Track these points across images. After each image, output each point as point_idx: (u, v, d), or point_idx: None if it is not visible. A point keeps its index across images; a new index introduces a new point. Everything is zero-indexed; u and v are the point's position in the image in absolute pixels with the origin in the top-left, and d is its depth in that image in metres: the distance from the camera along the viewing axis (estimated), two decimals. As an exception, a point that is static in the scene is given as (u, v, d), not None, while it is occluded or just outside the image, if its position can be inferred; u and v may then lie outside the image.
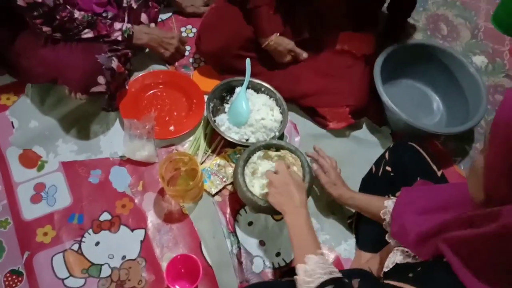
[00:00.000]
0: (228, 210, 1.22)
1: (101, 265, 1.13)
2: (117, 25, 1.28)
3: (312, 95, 1.39)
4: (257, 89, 1.36)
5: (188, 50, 1.51)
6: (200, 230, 1.18)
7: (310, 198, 1.21)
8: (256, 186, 1.12)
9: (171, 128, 1.34)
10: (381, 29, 1.55)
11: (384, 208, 0.94)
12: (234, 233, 1.19)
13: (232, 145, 1.30)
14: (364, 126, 1.43)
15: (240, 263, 1.14)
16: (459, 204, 0.75)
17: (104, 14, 1.32)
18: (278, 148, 1.17)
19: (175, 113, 1.37)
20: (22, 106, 1.36)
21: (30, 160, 1.27)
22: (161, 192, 1.24)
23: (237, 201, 1.22)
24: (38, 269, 1.11)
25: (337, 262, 1.18)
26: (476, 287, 0.59)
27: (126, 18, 1.36)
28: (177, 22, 1.61)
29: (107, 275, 1.11)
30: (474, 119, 1.29)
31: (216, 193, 1.24)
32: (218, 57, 1.38)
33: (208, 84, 1.41)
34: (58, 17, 1.15)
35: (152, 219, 1.20)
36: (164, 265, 1.12)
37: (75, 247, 1.14)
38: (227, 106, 1.35)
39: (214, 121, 1.30)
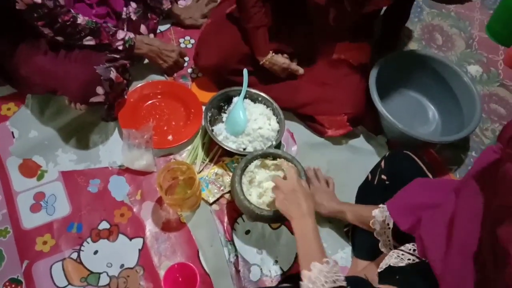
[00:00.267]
0: (226, 219, 1.23)
1: (100, 273, 1.13)
2: (120, 35, 1.30)
3: (310, 104, 1.40)
4: (254, 99, 1.38)
5: (187, 61, 1.53)
6: (198, 239, 1.19)
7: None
8: (253, 195, 1.14)
9: (169, 137, 1.35)
10: (377, 39, 1.57)
11: (373, 218, 0.95)
12: (231, 241, 1.20)
13: (229, 154, 1.32)
14: (360, 134, 1.45)
15: (237, 271, 1.15)
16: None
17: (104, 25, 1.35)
18: (275, 157, 1.18)
19: (173, 123, 1.39)
20: (22, 117, 1.38)
21: (30, 169, 1.28)
22: (159, 201, 1.25)
23: (234, 210, 1.23)
24: (37, 278, 1.12)
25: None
26: None
27: (125, 30, 1.38)
28: (176, 34, 1.63)
29: (105, 283, 1.12)
30: (469, 127, 1.30)
31: (214, 202, 1.25)
32: (216, 72, 1.40)
33: (206, 95, 1.43)
34: (59, 20, 1.15)
35: (150, 227, 1.21)
36: (162, 273, 1.13)
37: (74, 255, 1.15)
38: (224, 116, 1.37)
39: (212, 130, 1.32)
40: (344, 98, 1.37)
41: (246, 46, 1.37)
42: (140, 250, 1.17)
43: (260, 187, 1.14)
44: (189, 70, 1.54)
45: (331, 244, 1.22)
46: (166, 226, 1.21)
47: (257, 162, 1.17)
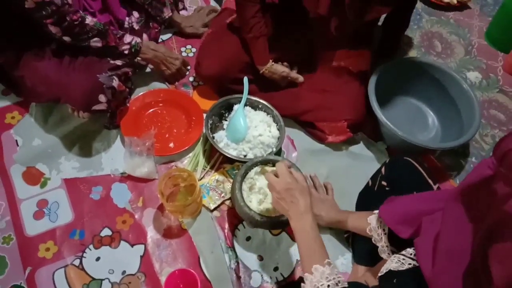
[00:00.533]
0: (227, 225, 1.24)
1: (102, 280, 1.14)
2: (127, 39, 1.31)
3: (310, 111, 1.41)
4: (255, 106, 1.40)
5: (188, 69, 1.55)
6: (199, 245, 1.20)
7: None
8: (253, 201, 1.14)
9: (171, 145, 1.37)
10: (376, 47, 1.59)
11: (368, 224, 0.96)
12: (232, 248, 1.21)
13: (230, 161, 1.33)
14: (360, 141, 1.45)
15: (238, 277, 1.16)
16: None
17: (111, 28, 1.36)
18: (274, 163, 1.19)
19: (175, 130, 1.41)
20: (26, 125, 1.40)
21: (33, 177, 1.30)
22: (161, 208, 1.26)
23: (235, 216, 1.24)
24: (39, 285, 1.13)
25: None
26: None
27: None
28: (177, 43, 1.65)
29: (107, 290, 1.13)
30: (468, 134, 1.31)
31: (215, 209, 1.26)
32: (218, 81, 1.41)
33: (207, 102, 1.44)
34: (68, 18, 1.17)
35: (151, 234, 1.22)
36: (163, 279, 1.13)
37: (76, 262, 1.16)
38: (225, 123, 1.39)
39: (213, 137, 1.33)
40: (344, 105, 1.38)
41: (247, 55, 1.38)
42: (141, 257, 1.18)
43: (260, 194, 1.15)
44: (191, 79, 1.56)
45: (332, 250, 1.22)
46: (168, 233, 1.22)
47: (257, 168, 1.18)
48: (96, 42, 1.25)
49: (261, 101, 1.39)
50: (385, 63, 1.44)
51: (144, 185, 1.31)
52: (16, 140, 1.37)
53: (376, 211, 0.96)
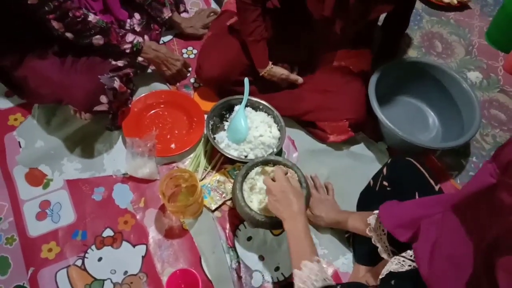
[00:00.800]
0: (228, 226, 1.25)
1: (104, 280, 1.15)
2: (129, 37, 1.32)
3: (312, 111, 1.42)
4: (256, 107, 1.41)
5: (189, 71, 1.56)
6: (200, 245, 1.21)
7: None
8: (254, 202, 1.15)
9: (172, 145, 1.37)
10: (376, 48, 1.59)
11: (368, 225, 0.96)
12: (233, 248, 1.21)
13: (231, 161, 1.34)
14: (360, 141, 1.46)
15: (239, 277, 1.16)
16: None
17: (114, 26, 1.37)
18: (275, 163, 1.19)
19: (176, 131, 1.42)
20: (29, 127, 1.41)
21: (36, 178, 1.31)
22: (162, 208, 1.27)
23: (236, 217, 1.25)
24: (42, 285, 1.13)
25: (336, 276, 1.19)
26: None
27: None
28: (179, 45, 1.66)
29: (109, 290, 1.14)
30: (469, 133, 1.31)
31: (216, 209, 1.27)
32: (219, 83, 1.42)
33: (208, 104, 1.45)
34: (70, 14, 1.18)
35: (153, 235, 1.23)
36: (164, 279, 1.14)
37: (79, 262, 1.17)
38: (226, 124, 1.39)
39: (214, 138, 1.34)
40: (346, 104, 1.39)
41: (247, 57, 1.39)
42: (143, 257, 1.19)
43: (261, 194, 1.15)
44: (192, 80, 1.57)
45: (333, 250, 1.23)
46: (169, 233, 1.23)
47: (257, 169, 1.18)
48: (98, 40, 1.26)
49: (262, 101, 1.40)
50: (385, 63, 1.45)
51: (146, 186, 1.31)
52: (19, 142, 1.38)
53: (376, 212, 0.96)
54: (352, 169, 1.38)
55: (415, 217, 0.81)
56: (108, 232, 1.23)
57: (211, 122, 1.36)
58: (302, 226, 0.91)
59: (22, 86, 1.33)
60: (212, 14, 1.70)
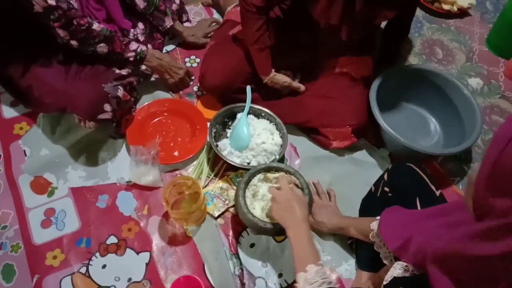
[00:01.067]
0: (231, 232, 1.25)
1: (108, 287, 1.16)
2: (133, 46, 1.35)
3: (314, 118, 1.43)
4: (258, 115, 1.42)
5: (192, 79, 1.57)
6: (203, 252, 1.21)
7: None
8: (257, 208, 1.15)
9: (175, 153, 1.39)
10: (377, 54, 1.61)
11: (371, 231, 0.97)
12: (236, 254, 1.22)
13: (234, 168, 1.35)
14: (362, 147, 1.46)
15: (242, 284, 1.17)
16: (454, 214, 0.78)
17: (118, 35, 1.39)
18: (277, 170, 1.20)
19: (179, 139, 1.43)
20: (34, 135, 1.42)
21: (41, 186, 1.32)
22: (166, 216, 1.28)
23: (239, 223, 1.26)
24: (47, 292, 1.14)
25: (339, 282, 1.19)
26: None
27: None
28: (182, 54, 1.68)
29: (113, 297, 1.14)
30: (470, 139, 1.32)
31: (219, 216, 1.28)
32: (222, 92, 1.44)
33: (211, 111, 1.46)
34: (75, 22, 1.20)
35: (156, 242, 1.24)
36: (168, 286, 1.15)
37: (83, 270, 1.18)
38: (229, 131, 1.41)
39: (217, 145, 1.35)
40: (348, 110, 1.40)
41: (250, 66, 1.41)
42: (147, 264, 1.20)
43: (263, 201, 1.16)
44: (195, 88, 1.58)
45: (335, 256, 1.23)
46: (172, 240, 1.24)
47: (260, 176, 1.19)
48: (102, 48, 1.28)
49: (264, 109, 1.41)
50: (386, 70, 1.46)
51: (149, 193, 1.32)
52: (24, 150, 1.39)
53: (378, 218, 0.96)
54: (354, 175, 1.38)
55: (408, 233, 0.82)
56: (112, 240, 1.23)
57: (214, 130, 1.37)
58: (305, 233, 0.93)
59: (27, 95, 1.35)
60: (213, 23, 1.72)
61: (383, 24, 1.58)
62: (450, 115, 1.47)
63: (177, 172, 1.38)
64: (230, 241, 1.24)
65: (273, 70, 1.39)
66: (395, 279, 0.83)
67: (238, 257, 1.21)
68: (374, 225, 0.97)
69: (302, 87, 1.45)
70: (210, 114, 1.45)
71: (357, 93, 1.42)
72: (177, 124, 1.47)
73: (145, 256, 1.21)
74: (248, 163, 1.33)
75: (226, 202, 1.29)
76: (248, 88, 1.40)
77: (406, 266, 0.84)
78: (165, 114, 1.48)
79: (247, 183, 1.17)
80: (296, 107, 1.44)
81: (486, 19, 1.93)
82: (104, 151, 1.40)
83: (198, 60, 1.67)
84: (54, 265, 1.18)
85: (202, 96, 1.56)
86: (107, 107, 1.25)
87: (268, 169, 1.20)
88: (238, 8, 1.47)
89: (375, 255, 1.06)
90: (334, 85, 1.44)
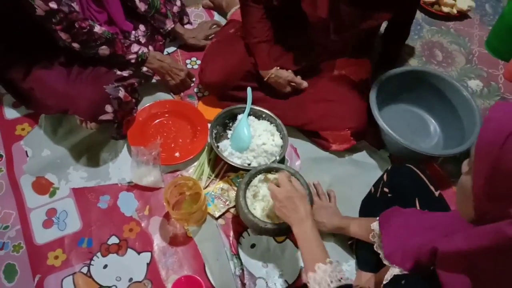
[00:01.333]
0: (231, 233, 1.26)
1: (109, 287, 1.16)
2: (134, 48, 1.36)
3: (314, 120, 1.44)
4: (258, 116, 1.43)
5: (193, 81, 1.58)
6: (204, 253, 1.22)
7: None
8: (257, 209, 1.16)
9: (176, 154, 1.39)
10: (377, 57, 1.62)
11: (372, 231, 0.97)
12: (237, 255, 1.22)
13: (234, 169, 1.36)
14: (363, 149, 1.47)
15: (243, 284, 1.17)
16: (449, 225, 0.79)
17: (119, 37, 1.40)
18: (278, 171, 1.21)
19: (180, 140, 1.44)
20: (36, 136, 1.43)
21: (42, 187, 1.33)
22: (167, 216, 1.28)
23: (240, 224, 1.26)
24: (48, 292, 1.15)
25: (339, 283, 1.20)
26: None
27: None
28: (183, 56, 1.69)
29: (114, 297, 1.15)
30: (470, 140, 1.33)
31: (220, 216, 1.28)
32: (220, 88, 1.45)
33: (212, 113, 1.46)
34: (76, 25, 1.21)
35: (158, 242, 1.24)
36: (169, 286, 1.15)
37: (84, 270, 1.19)
38: (229, 133, 1.41)
39: (217, 146, 1.36)
40: (347, 113, 1.41)
41: (249, 63, 1.42)
42: (148, 264, 1.20)
43: (264, 201, 1.17)
44: (196, 90, 1.59)
45: (335, 257, 1.22)
46: (173, 241, 1.24)
47: (260, 176, 1.20)
48: (104, 50, 1.29)
49: (265, 110, 1.42)
50: (386, 72, 1.46)
51: (151, 194, 1.33)
52: (26, 151, 1.40)
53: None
54: (354, 176, 1.39)
55: (415, 247, 0.82)
56: (113, 240, 1.24)
57: (215, 131, 1.38)
58: (310, 229, 0.93)
59: (29, 97, 1.36)
60: (214, 26, 1.73)
61: (383, 27, 1.59)
62: (450, 117, 1.48)
63: (178, 173, 1.39)
64: (231, 242, 1.24)
65: (276, 67, 1.39)
66: (395, 277, 0.83)
67: (238, 258, 1.22)
68: (375, 225, 0.98)
69: (305, 83, 1.45)
70: (211, 115, 1.45)
71: (356, 96, 1.43)
72: (178, 125, 1.47)
73: (146, 256, 1.22)
74: (249, 164, 1.33)
75: (227, 202, 1.30)
76: (249, 89, 1.41)
77: None
78: (166, 115, 1.49)
79: (248, 183, 1.18)
80: (296, 109, 1.45)
81: (486, 21, 1.94)
82: (105, 152, 1.41)
83: (199, 62, 1.68)
84: (56, 265, 1.19)
85: (203, 97, 1.57)
86: (108, 108, 1.26)
87: (268, 170, 1.21)
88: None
89: (375, 255, 1.06)
90: (333, 88, 1.44)
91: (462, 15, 1.94)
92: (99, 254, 1.21)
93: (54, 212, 1.28)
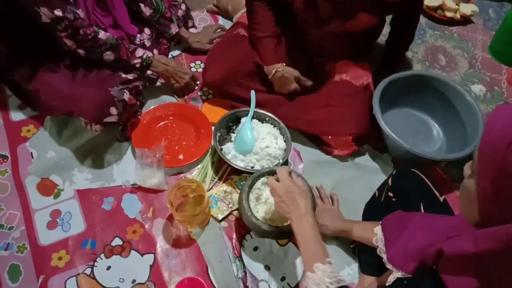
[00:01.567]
0: (234, 235, 1.26)
1: (112, 288, 1.17)
2: (139, 53, 1.37)
3: (316, 125, 1.44)
4: (262, 119, 1.43)
5: (197, 84, 1.59)
6: (207, 255, 1.22)
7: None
8: (260, 211, 1.16)
9: (180, 156, 1.40)
10: (380, 61, 1.62)
11: (375, 235, 0.97)
12: (240, 257, 1.22)
13: (238, 172, 1.36)
14: (366, 153, 1.48)
15: (245, 287, 1.17)
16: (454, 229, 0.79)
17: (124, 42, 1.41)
18: (280, 173, 1.21)
19: (184, 143, 1.45)
20: (41, 138, 1.44)
21: (47, 188, 1.34)
22: (170, 218, 1.29)
23: (242, 227, 1.27)
24: (52, 293, 1.15)
25: (341, 286, 1.20)
26: None
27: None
28: (187, 59, 1.71)
29: (117, 298, 1.15)
30: (472, 145, 1.33)
31: (223, 219, 1.29)
32: (222, 86, 1.46)
33: (216, 116, 1.47)
34: (81, 32, 1.22)
35: (161, 244, 1.25)
36: (172, 288, 1.16)
37: (88, 271, 1.19)
38: (233, 135, 1.42)
39: (221, 149, 1.37)
40: (348, 119, 1.41)
41: (251, 62, 1.44)
42: (151, 266, 1.21)
43: (266, 204, 1.17)
44: (200, 93, 1.60)
45: (338, 260, 1.23)
46: (177, 243, 1.25)
47: (263, 179, 1.20)
48: (109, 55, 1.31)
49: (268, 113, 1.43)
50: (389, 76, 1.47)
51: (154, 196, 1.34)
52: (31, 153, 1.41)
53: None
54: (357, 180, 1.39)
55: (417, 248, 0.82)
56: (117, 241, 1.25)
57: (218, 134, 1.39)
58: (310, 227, 0.90)
59: (34, 99, 1.37)
60: (219, 30, 1.74)
61: (387, 31, 1.60)
62: (453, 121, 1.48)
63: (181, 175, 1.39)
64: (234, 244, 1.25)
65: (282, 63, 1.40)
66: (398, 280, 0.83)
67: (241, 260, 1.22)
68: (378, 229, 0.98)
69: (309, 81, 1.46)
70: (214, 118, 1.46)
71: (357, 102, 1.43)
72: (182, 128, 1.48)
73: (149, 258, 1.22)
74: (252, 167, 1.34)
75: (230, 205, 1.30)
76: (253, 92, 1.42)
77: None
78: (170, 118, 1.50)
79: (251, 186, 1.18)
80: (298, 112, 1.45)
81: (489, 26, 1.95)
82: (110, 154, 1.41)
83: (203, 65, 1.68)
84: (60, 266, 1.20)
85: (207, 100, 1.58)
86: (113, 110, 1.27)
87: (271, 172, 1.21)
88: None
89: (378, 259, 1.06)
90: (335, 93, 1.45)
91: (465, 20, 1.95)
92: (102, 255, 1.22)
93: (59, 213, 1.29)
